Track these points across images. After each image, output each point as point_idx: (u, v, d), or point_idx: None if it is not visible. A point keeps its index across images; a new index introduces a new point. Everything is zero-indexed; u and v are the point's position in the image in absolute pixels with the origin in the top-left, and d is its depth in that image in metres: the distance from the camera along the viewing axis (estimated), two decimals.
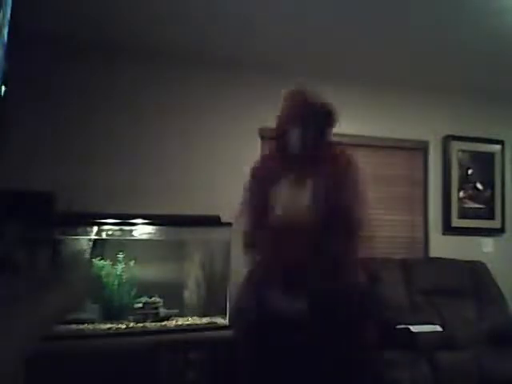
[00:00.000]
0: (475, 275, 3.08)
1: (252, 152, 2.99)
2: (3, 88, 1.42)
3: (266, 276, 1.55)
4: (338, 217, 1.49)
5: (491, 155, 3.54)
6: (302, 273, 1.46)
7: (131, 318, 2.30)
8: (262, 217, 1.59)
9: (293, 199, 1.54)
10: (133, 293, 2.39)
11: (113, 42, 2.67)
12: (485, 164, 3.52)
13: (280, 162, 1.64)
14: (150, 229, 2.47)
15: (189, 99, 2.89)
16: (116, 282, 2.36)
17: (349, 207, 1.52)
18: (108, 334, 2.15)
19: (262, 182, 1.63)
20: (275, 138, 1.68)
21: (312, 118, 1.59)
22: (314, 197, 1.51)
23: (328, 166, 1.58)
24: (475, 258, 3.20)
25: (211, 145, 2.91)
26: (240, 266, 2.75)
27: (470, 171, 3.49)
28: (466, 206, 3.45)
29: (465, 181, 3.47)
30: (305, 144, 1.58)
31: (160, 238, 2.52)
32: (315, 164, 1.58)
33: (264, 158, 1.78)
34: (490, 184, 3.52)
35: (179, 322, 2.34)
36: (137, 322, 2.28)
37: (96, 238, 2.41)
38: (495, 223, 3.51)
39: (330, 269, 1.47)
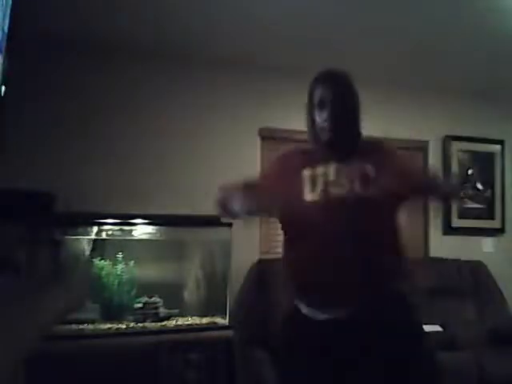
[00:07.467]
0: (475, 275, 3.08)
1: (252, 152, 3.01)
2: (3, 88, 1.43)
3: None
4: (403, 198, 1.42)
5: (491, 155, 3.54)
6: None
7: (131, 318, 2.30)
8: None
9: (342, 182, 1.33)
10: (133, 293, 2.38)
11: (112, 42, 2.67)
12: (485, 164, 3.52)
13: (320, 148, 1.44)
14: (149, 229, 2.47)
15: (188, 99, 2.89)
16: (116, 282, 2.36)
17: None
18: (108, 334, 2.15)
19: (294, 163, 1.43)
20: (309, 121, 1.46)
21: (355, 101, 1.46)
22: (375, 181, 1.33)
23: (381, 151, 1.51)
24: (475, 258, 3.20)
25: (211, 144, 2.90)
26: (240, 265, 2.79)
27: (470, 171, 3.49)
28: (466, 206, 3.45)
29: (465, 181, 3.47)
30: (348, 127, 1.43)
31: (160, 238, 2.52)
32: (364, 149, 1.45)
33: (298, 148, 1.55)
34: (489, 184, 3.52)
35: (179, 322, 2.34)
36: (137, 322, 2.28)
37: (96, 237, 2.41)
38: (495, 223, 3.50)
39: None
